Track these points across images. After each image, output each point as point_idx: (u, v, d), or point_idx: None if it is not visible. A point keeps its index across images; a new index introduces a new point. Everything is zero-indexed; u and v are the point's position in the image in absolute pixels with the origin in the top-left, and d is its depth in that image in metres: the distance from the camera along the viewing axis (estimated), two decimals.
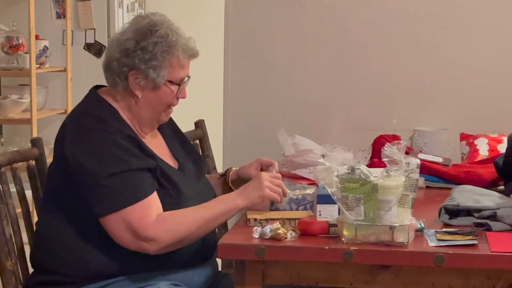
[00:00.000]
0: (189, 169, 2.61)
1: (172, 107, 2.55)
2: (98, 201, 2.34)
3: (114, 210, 2.32)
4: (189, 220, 2.37)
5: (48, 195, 2.51)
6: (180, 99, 2.53)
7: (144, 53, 2.43)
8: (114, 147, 2.36)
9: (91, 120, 2.42)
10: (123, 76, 2.45)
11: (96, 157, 2.34)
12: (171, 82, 2.47)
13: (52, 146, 6.04)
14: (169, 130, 2.69)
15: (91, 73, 6.18)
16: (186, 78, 2.51)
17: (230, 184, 2.75)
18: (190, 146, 2.76)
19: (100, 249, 2.39)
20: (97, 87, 2.57)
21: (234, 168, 2.79)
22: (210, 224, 2.40)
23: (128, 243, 2.34)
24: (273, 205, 2.44)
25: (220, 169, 3.17)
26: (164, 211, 2.38)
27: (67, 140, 2.40)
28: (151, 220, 2.32)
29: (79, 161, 2.35)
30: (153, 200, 2.37)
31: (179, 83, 2.48)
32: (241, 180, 2.70)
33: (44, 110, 5.97)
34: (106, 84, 2.55)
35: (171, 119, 2.69)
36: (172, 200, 2.42)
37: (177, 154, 2.63)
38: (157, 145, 2.57)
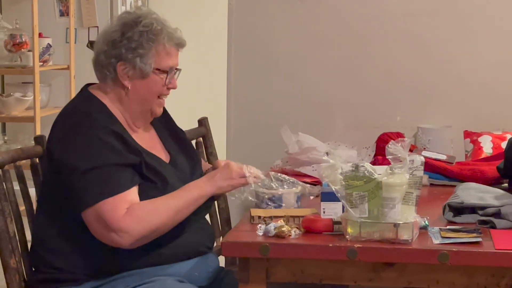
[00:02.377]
0: (181, 163, 2.62)
1: (163, 98, 2.56)
2: (77, 196, 2.36)
3: (90, 204, 2.33)
4: (159, 211, 2.38)
5: (43, 193, 2.53)
6: (170, 89, 2.55)
7: (130, 42, 2.46)
8: (95, 143, 2.38)
9: (78, 116, 2.45)
10: (111, 68, 2.48)
11: (77, 153, 2.37)
12: (158, 70, 2.49)
13: None
14: (163, 125, 2.70)
15: (93, 71, 6.19)
16: (175, 69, 2.52)
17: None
18: (184, 140, 2.76)
19: (98, 246, 2.40)
20: (90, 84, 2.59)
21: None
22: (181, 212, 2.41)
23: (101, 236, 2.35)
24: (274, 203, 2.46)
25: None
26: None
27: (54, 138, 2.44)
28: (121, 213, 2.33)
29: (62, 157, 2.39)
30: (130, 195, 2.37)
31: (167, 71, 2.49)
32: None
33: (47, 108, 5.97)
34: (93, 82, 2.58)
35: (167, 114, 2.70)
36: (159, 192, 2.43)
37: (169, 148, 2.64)
38: (149, 139, 2.59)
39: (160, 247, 2.43)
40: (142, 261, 2.43)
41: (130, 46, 2.46)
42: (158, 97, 2.53)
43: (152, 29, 2.47)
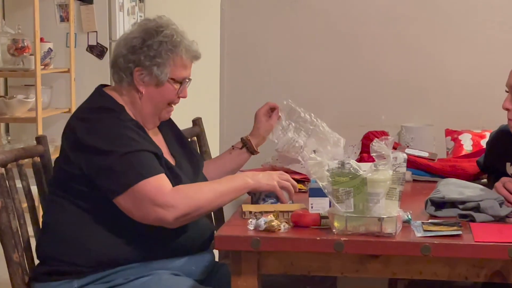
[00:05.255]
0: (185, 167, 2.63)
1: (173, 106, 2.56)
2: (113, 181, 2.34)
3: (130, 185, 2.32)
4: (204, 191, 2.40)
5: (53, 187, 2.52)
6: (180, 98, 2.55)
7: (149, 50, 2.46)
8: (125, 130, 2.39)
9: (100, 111, 2.45)
10: (128, 72, 2.48)
11: (110, 140, 2.36)
12: (173, 80, 2.50)
13: (57, 143, 6.07)
14: (169, 130, 2.72)
15: (93, 73, 6.19)
16: (188, 79, 2.53)
17: (256, 149, 2.92)
18: (188, 145, 2.78)
19: (103, 238, 2.40)
20: (103, 85, 2.58)
21: (246, 137, 2.93)
22: (223, 197, 2.43)
23: (145, 215, 2.33)
24: (271, 198, 2.47)
25: None
26: None
27: (80, 133, 2.40)
28: (167, 189, 2.34)
29: (94, 147, 2.36)
30: (166, 178, 2.38)
31: (181, 82, 2.50)
32: (262, 139, 2.94)
33: (48, 109, 5.97)
34: (109, 84, 2.57)
35: (171, 120, 2.71)
36: None
37: (175, 152, 2.65)
38: (157, 142, 2.58)
39: (163, 242, 2.43)
40: (142, 255, 2.43)
41: (149, 54, 2.46)
42: (169, 104, 2.54)
43: (172, 41, 2.47)
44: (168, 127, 2.71)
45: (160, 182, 2.34)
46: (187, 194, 2.36)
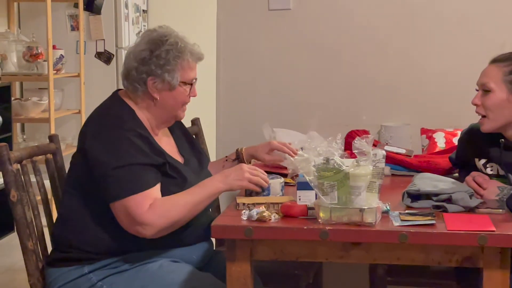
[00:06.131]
0: (193, 164, 2.62)
1: (186, 105, 2.56)
2: (107, 189, 2.35)
3: (118, 198, 2.33)
4: (179, 206, 2.37)
5: (69, 181, 2.52)
6: (191, 97, 2.55)
7: (158, 59, 2.45)
8: (125, 144, 2.37)
9: (110, 118, 2.43)
10: (142, 82, 2.47)
11: (109, 151, 2.35)
12: (184, 83, 2.49)
13: (68, 141, 6.06)
14: (179, 132, 2.71)
15: (101, 77, 6.20)
16: (195, 79, 2.53)
17: (247, 163, 2.82)
18: (195, 145, 2.78)
19: (112, 229, 2.39)
20: (119, 89, 2.58)
21: (241, 149, 2.85)
22: (197, 207, 2.40)
23: (127, 227, 2.35)
24: (264, 191, 2.46)
25: (213, 160, 3.16)
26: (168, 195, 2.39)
27: (89, 135, 2.41)
28: (145, 208, 2.32)
29: (95, 153, 2.36)
30: (153, 192, 2.36)
31: (191, 83, 2.50)
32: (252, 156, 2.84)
33: (60, 110, 5.96)
34: (122, 88, 2.57)
35: (181, 123, 2.70)
36: (179, 188, 2.42)
37: (183, 151, 2.64)
38: (167, 143, 2.58)
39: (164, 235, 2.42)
40: (148, 245, 2.43)
41: (158, 63, 2.45)
42: (182, 104, 2.54)
43: (177, 47, 2.46)
44: (178, 129, 2.71)
45: (141, 200, 2.32)
46: (162, 213, 2.33)
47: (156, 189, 2.38)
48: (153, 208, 2.32)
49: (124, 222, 2.34)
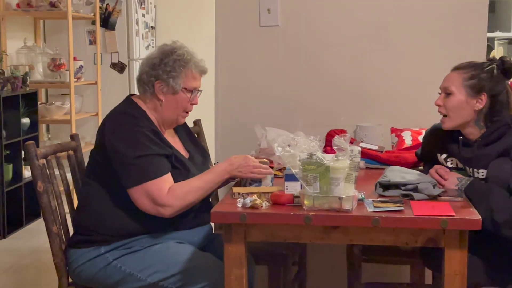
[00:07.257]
0: (197, 159, 2.63)
1: (188, 112, 2.56)
2: (127, 176, 2.35)
3: (139, 183, 2.33)
4: (193, 190, 2.39)
5: (88, 171, 2.52)
6: (193, 105, 2.55)
7: (166, 66, 2.47)
8: (141, 137, 2.37)
9: (125, 117, 2.44)
10: (150, 84, 2.49)
11: (127, 143, 2.36)
12: (186, 89, 2.49)
13: (86, 140, 6.04)
14: (184, 132, 2.72)
15: (115, 85, 6.19)
16: (198, 90, 2.53)
17: None
18: (199, 143, 2.78)
19: (125, 214, 2.40)
20: (132, 95, 2.58)
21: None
22: (207, 191, 2.44)
23: (149, 209, 2.35)
24: (256, 182, 2.46)
25: (212, 158, 3.16)
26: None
27: (107, 131, 2.41)
28: (165, 191, 2.33)
29: (115, 146, 2.37)
30: (168, 178, 2.38)
31: (192, 91, 2.50)
32: None
33: (80, 113, 5.95)
34: (134, 93, 2.58)
35: (186, 124, 2.70)
36: (183, 178, 2.43)
37: (188, 148, 2.64)
38: (174, 141, 2.58)
39: (172, 219, 2.41)
40: (156, 227, 2.43)
41: (166, 70, 2.47)
42: (184, 111, 2.54)
43: (183, 58, 2.48)
44: (183, 129, 2.71)
45: (161, 184, 2.34)
46: (181, 195, 2.35)
47: (169, 176, 2.39)
48: (172, 191, 2.34)
49: (146, 204, 2.34)
